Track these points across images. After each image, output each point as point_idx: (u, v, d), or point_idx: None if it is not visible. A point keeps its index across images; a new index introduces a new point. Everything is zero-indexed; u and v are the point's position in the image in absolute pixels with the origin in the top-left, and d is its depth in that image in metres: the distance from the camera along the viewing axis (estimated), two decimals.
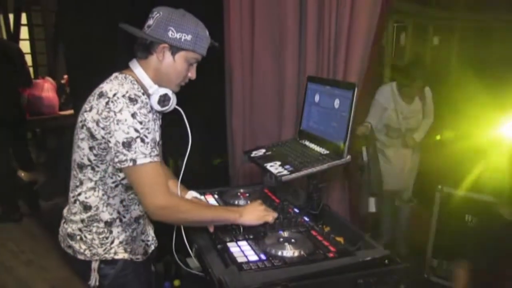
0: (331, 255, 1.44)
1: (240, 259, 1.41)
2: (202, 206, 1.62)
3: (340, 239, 1.57)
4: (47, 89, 4.47)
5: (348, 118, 1.55)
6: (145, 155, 1.36)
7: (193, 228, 1.64)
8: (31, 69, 6.10)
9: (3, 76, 3.80)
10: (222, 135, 3.06)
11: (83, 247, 1.51)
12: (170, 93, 1.49)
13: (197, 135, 2.77)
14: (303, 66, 2.72)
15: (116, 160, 1.37)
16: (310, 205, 1.77)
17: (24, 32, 6.20)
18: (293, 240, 1.50)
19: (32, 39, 6.25)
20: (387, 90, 3.06)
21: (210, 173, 3.05)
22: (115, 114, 1.35)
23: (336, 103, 1.64)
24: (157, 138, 1.52)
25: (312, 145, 1.78)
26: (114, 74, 1.49)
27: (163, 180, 1.42)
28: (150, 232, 1.72)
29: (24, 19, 6.20)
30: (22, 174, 3.90)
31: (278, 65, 2.80)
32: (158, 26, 1.43)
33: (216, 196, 1.96)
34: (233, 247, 1.49)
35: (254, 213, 1.58)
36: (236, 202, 1.85)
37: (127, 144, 1.34)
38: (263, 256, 1.43)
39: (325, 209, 1.83)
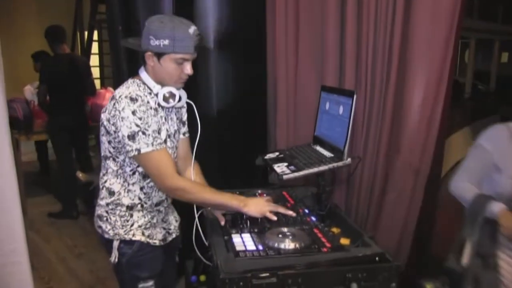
0: (324, 249, 1.54)
1: (239, 248, 1.54)
2: (209, 190, 1.73)
3: (346, 240, 1.65)
4: (108, 98, 4.83)
5: (348, 123, 1.65)
6: (147, 144, 1.58)
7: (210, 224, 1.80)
8: (98, 81, 6.63)
9: (71, 86, 4.21)
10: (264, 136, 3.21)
11: (108, 227, 1.74)
12: (173, 90, 1.67)
13: (239, 136, 2.95)
14: (343, 81, 2.82)
15: (125, 150, 1.62)
16: (318, 206, 1.87)
17: (95, 47, 6.74)
18: (292, 235, 1.61)
19: (101, 53, 6.78)
20: (502, 136, 1.75)
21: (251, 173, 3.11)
22: (119, 112, 1.57)
23: (341, 109, 1.75)
24: (170, 130, 1.76)
25: (321, 149, 1.89)
26: (128, 80, 1.72)
27: (168, 164, 1.62)
28: (173, 222, 1.92)
29: (96, 35, 6.75)
30: (80, 175, 4.25)
31: (320, 79, 2.91)
32: (144, 37, 1.62)
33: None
34: (236, 238, 1.63)
35: (258, 206, 1.70)
36: None
37: (132, 137, 1.57)
38: (260, 247, 1.55)
39: (336, 211, 1.92)
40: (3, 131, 2.09)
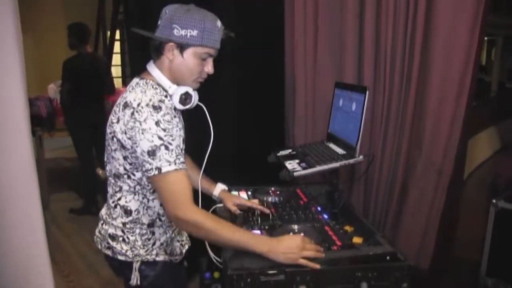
0: (334, 247, 1.52)
1: None
2: (228, 227, 1.44)
3: (359, 239, 1.62)
4: None
5: (360, 120, 1.62)
6: (169, 162, 1.35)
7: None
8: (120, 80, 6.72)
9: (93, 84, 4.28)
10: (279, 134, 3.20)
11: (125, 247, 1.53)
12: (190, 90, 1.47)
13: (255, 133, 2.94)
14: (361, 78, 2.78)
15: (143, 169, 1.38)
16: (331, 204, 1.85)
17: (117, 47, 6.83)
18: (302, 232, 1.59)
19: (123, 53, 6.86)
20: None
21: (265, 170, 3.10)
22: (140, 124, 1.34)
23: (353, 106, 1.72)
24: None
25: (334, 146, 1.87)
26: (135, 80, 1.49)
27: (187, 189, 1.38)
28: (184, 232, 1.76)
29: (118, 35, 6.83)
30: (100, 171, 4.30)
31: (339, 76, 2.87)
32: (164, 26, 1.42)
33: (249, 192, 2.09)
34: None
35: (288, 253, 1.40)
36: (265, 199, 1.97)
37: (152, 153, 1.34)
38: None
39: (350, 209, 1.89)
40: (24, 131, 2.12)
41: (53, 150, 5.98)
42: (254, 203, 1.85)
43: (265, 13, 2.98)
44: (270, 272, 1.38)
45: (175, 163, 1.36)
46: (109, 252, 1.58)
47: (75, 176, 5.11)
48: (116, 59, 6.72)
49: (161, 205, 1.54)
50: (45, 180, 4.53)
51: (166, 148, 1.35)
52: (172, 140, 1.36)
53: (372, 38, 2.70)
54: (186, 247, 1.75)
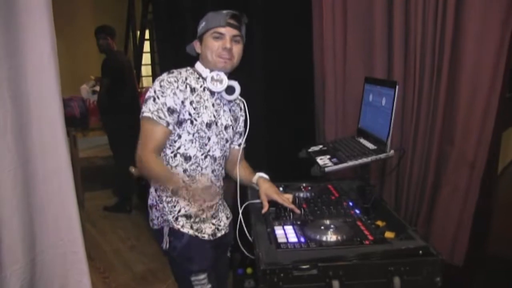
0: (366, 242, 1.51)
1: (281, 239, 1.54)
2: (162, 171, 1.69)
3: (391, 234, 1.62)
4: None
5: (390, 114, 1.61)
6: (150, 111, 1.62)
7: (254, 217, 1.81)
8: (150, 78, 6.84)
9: (130, 80, 4.41)
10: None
11: (157, 214, 1.77)
12: (222, 74, 1.71)
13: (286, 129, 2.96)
14: (391, 73, 2.76)
15: None
16: (362, 199, 1.85)
17: (146, 46, 6.94)
18: (334, 227, 1.60)
19: (152, 52, 6.96)
20: None
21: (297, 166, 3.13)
22: (154, 83, 1.69)
23: (383, 101, 1.71)
24: (218, 120, 1.77)
25: (364, 142, 1.86)
26: None
27: (154, 138, 1.64)
28: (223, 218, 1.90)
29: (147, 34, 6.94)
30: (132, 170, 4.38)
31: (369, 72, 2.85)
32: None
33: (281, 188, 2.09)
34: (278, 230, 1.63)
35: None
36: (296, 194, 1.99)
37: (145, 100, 1.65)
38: (302, 239, 1.55)
39: (381, 204, 1.89)
40: (60, 130, 2.18)
41: (86, 150, 6.14)
42: (286, 200, 1.82)
43: (293, 12, 2.98)
44: (303, 266, 1.39)
45: (153, 114, 1.62)
46: (151, 224, 1.83)
47: (108, 174, 5.23)
48: (146, 58, 6.82)
49: (184, 171, 1.73)
50: (80, 179, 4.66)
51: (154, 100, 1.63)
52: (162, 96, 1.63)
53: (401, 32, 2.68)
54: (222, 232, 1.86)
